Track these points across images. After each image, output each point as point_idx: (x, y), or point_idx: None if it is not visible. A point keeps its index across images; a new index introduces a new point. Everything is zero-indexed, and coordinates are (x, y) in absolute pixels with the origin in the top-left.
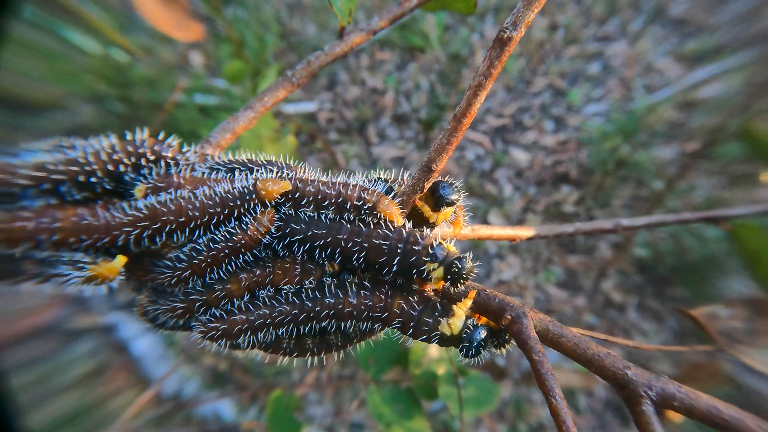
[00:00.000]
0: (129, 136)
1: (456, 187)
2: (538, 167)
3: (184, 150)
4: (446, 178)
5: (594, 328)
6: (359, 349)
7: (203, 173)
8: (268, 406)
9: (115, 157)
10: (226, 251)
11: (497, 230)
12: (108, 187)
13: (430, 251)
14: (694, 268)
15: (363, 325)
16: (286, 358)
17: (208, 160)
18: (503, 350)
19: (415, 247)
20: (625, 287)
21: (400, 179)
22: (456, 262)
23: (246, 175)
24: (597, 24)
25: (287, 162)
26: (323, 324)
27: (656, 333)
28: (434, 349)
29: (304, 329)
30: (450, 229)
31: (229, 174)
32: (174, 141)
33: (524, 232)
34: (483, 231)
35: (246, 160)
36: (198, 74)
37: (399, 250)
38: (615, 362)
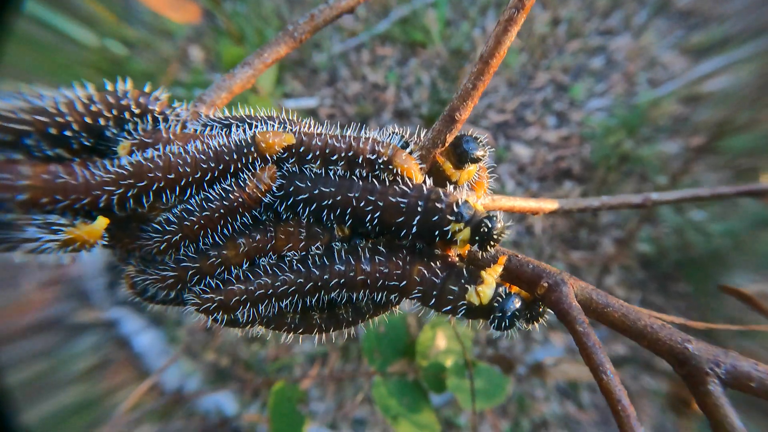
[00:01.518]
0: (109, 86)
1: (481, 141)
2: (540, 163)
3: (174, 105)
4: (470, 132)
5: (597, 325)
6: (372, 325)
7: (196, 130)
8: (271, 397)
9: (93, 108)
10: (222, 211)
11: (519, 201)
12: (87, 143)
13: (455, 209)
14: (698, 263)
15: (378, 296)
16: (291, 335)
17: (202, 118)
18: (536, 324)
19: (438, 205)
20: (628, 283)
21: (416, 137)
22: (485, 221)
23: (244, 129)
24: (600, 18)
25: (291, 118)
26: (332, 295)
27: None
28: (442, 341)
29: (311, 301)
30: (472, 194)
31: (225, 130)
32: (162, 94)
33: (548, 204)
34: (504, 202)
35: (244, 116)
36: (197, 69)
37: (419, 209)
38: (672, 335)
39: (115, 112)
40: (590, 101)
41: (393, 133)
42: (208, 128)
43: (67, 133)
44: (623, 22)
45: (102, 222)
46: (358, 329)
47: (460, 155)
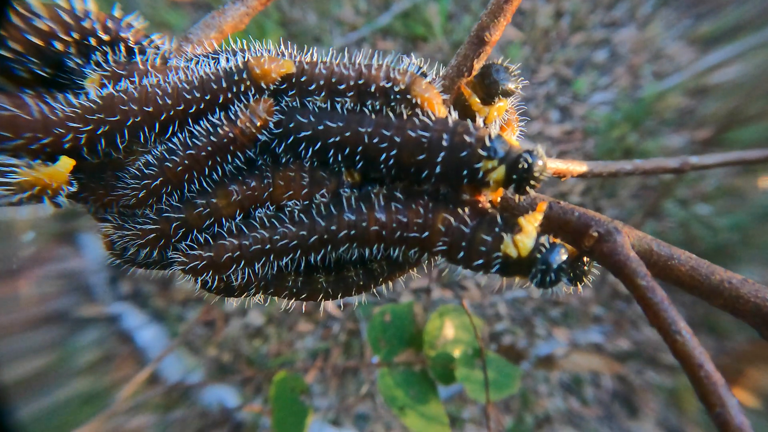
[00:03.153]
0: (62, 1)
1: (513, 72)
2: None
3: (153, 37)
4: (500, 61)
5: (601, 320)
6: (385, 290)
7: (179, 65)
8: (272, 387)
9: (41, 26)
10: (210, 149)
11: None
12: (41, 73)
13: (488, 144)
14: (704, 257)
15: (394, 252)
16: (293, 301)
17: (187, 53)
18: (580, 286)
19: (467, 138)
20: None
21: (434, 74)
22: (525, 156)
23: (236, 59)
24: (604, 9)
25: (291, 50)
26: (340, 251)
27: None
28: (450, 330)
29: (315, 259)
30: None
31: (213, 62)
32: (137, 20)
33: (576, 166)
34: None
35: (236, 49)
36: None
37: (444, 143)
38: (758, 291)
39: (75, 35)
40: (594, 95)
41: (410, 61)
42: (194, 61)
43: (8, 54)
44: (628, 13)
45: (66, 162)
46: (369, 293)
47: (489, 87)
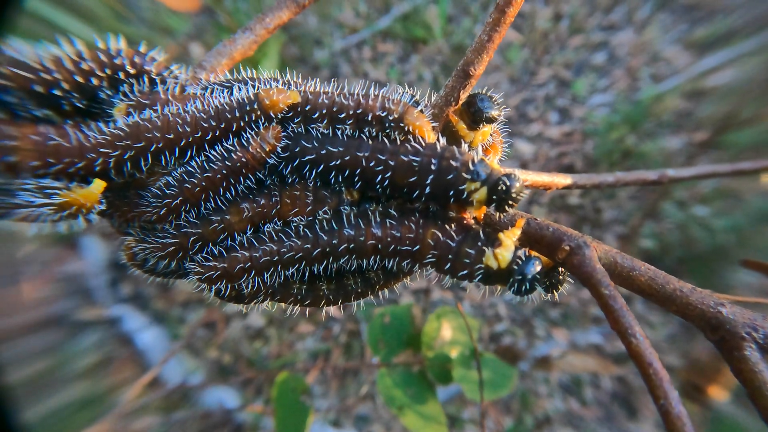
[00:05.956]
0: (101, 44)
1: (496, 101)
2: (543, 159)
3: (172, 68)
4: (484, 90)
5: (600, 321)
6: (381, 297)
7: (195, 93)
8: (274, 388)
9: (84, 66)
10: (224, 172)
11: (531, 175)
12: (79, 105)
13: (471, 167)
14: (701, 259)
15: (389, 263)
16: (297, 307)
17: (202, 81)
18: (556, 293)
19: (453, 163)
20: None
21: (426, 100)
22: (504, 179)
23: (247, 89)
24: (602, 13)
25: (296, 80)
26: (341, 261)
27: (663, 325)
28: (447, 331)
29: (318, 269)
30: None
31: (226, 91)
32: (159, 54)
33: (561, 179)
34: (517, 173)
35: (247, 78)
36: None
37: (433, 167)
38: (704, 299)
39: (108, 71)
40: (593, 97)
41: (403, 92)
42: (209, 90)
43: (57, 92)
44: (626, 16)
45: (99, 184)
46: (368, 299)
47: (474, 114)
